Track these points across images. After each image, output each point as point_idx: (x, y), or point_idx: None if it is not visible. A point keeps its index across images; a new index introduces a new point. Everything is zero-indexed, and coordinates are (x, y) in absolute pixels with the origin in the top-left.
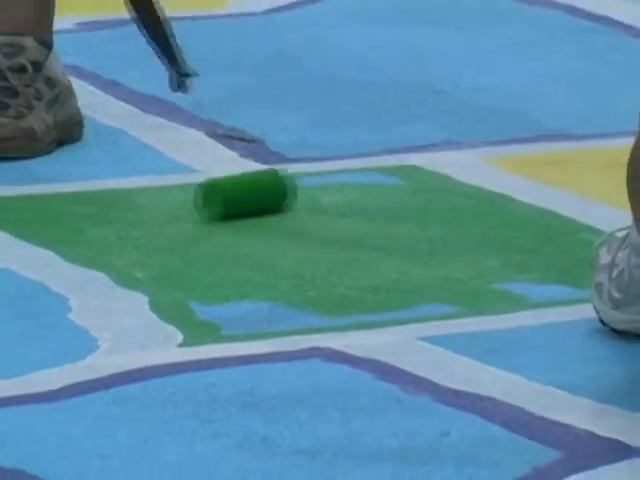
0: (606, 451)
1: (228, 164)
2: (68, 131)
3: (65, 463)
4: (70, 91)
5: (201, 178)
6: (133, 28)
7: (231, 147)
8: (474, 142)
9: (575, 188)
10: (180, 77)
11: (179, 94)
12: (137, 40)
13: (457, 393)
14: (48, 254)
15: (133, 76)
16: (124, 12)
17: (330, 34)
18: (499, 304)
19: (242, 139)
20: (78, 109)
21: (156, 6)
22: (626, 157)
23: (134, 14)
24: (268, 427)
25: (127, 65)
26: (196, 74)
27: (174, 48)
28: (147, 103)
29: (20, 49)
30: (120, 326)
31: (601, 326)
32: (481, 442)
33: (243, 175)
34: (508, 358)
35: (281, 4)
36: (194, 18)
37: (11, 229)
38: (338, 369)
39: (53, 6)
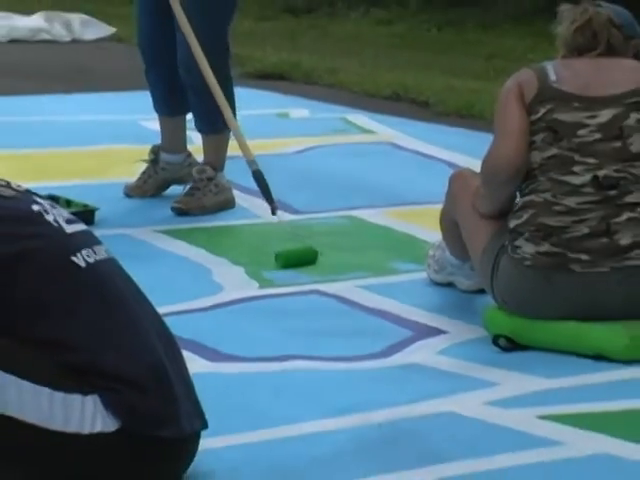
0: (433, 332)
1: (261, 209)
2: (227, 205)
3: (213, 337)
4: (228, 189)
5: (261, 220)
6: None
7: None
8: (377, 206)
9: (423, 225)
10: (272, 210)
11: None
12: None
13: (371, 309)
14: (202, 251)
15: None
16: None
17: (325, 162)
18: (388, 271)
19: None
20: (233, 197)
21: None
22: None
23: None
24: (291, 322)
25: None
26: (277, 208)
27: (270, 195)
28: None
29: (204, 171)
30: (232, 281)
31: (430, 281)
32: (381, 330)
33: (298, 249)
34: (393, 293)
35: (303, 148)
36: (269, 155)
37: (186, 239)
38: (323, 299)
39: (224, 153)
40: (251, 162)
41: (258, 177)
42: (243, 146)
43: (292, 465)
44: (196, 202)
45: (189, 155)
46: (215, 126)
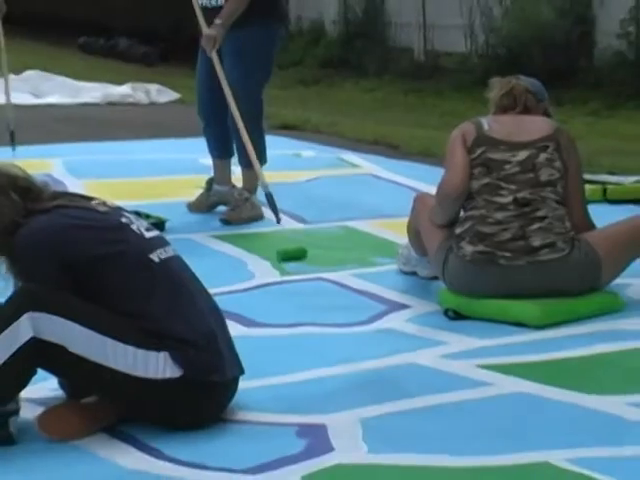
0: (401, 306)
1: (288, 222)
2: (258, 218)
3: (248, 310)
4: (259, 206)
5: (281, 228)
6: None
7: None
8: (364, 219)
9: (395, 231)
10: (276, 217)
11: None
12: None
13: (359, 291)
14: (240, 249)
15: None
16: None
17: (326, 187)
18: (371, 264)
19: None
20: (262, 212)
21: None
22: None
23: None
24: (303, 300)
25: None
26: (280, 220)
27: (276, 209)
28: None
29: (242, 194)
30: (261, 270)
31: (400, 271)
32: (365, 305)
33: (293, 249)
34: (374, 279)
35: (311, 178)
36: (287, 183)
37: (229, 241)
38: (326, 284)
39: (256, 181)
40: (265, 186)
41: (269, 196)
42: (260, 175)
43: (302, 399)
44: (237, 215)
45: (233, 186)
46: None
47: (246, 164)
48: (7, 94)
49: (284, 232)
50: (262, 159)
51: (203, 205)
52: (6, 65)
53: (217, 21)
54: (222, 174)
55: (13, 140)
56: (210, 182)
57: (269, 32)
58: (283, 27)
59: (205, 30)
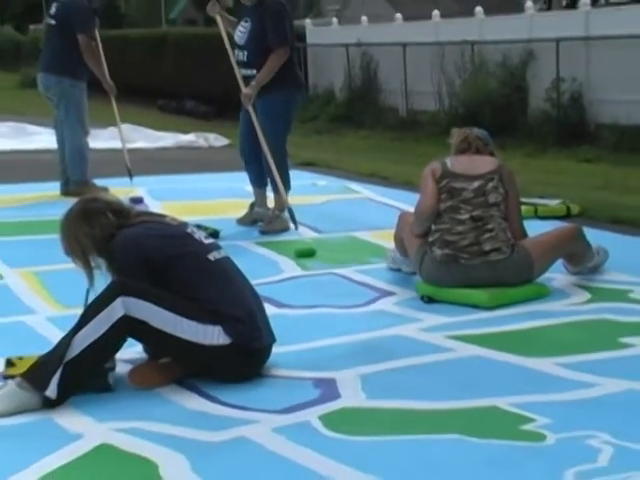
0: (390, 293)
1: (307, 233)
2: (285, 229)
3: (279, 296)
4: (286, 220)
5: (302, 237)
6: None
7: (306, 228)
8: (363, 230)
9: (385, 239)
10: (295, 225)
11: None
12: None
13: (359, 282)
14: (273, 252)
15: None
16: None
17: (335, 208)
18: (368, 263)
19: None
20: (289, 225)
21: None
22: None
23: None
24: (318, 289)
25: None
26: (297, 227)
27: (295, 219)
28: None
29: (274, 212)
30: (288, 267)
31: (389, 268)
32: (363, 292)
33: (306, 248)
34: (370, 274)
35: (324, 201)
36: (306, 205)
37: (265, 246)
38: (336, 277)
39: (284, 202)
40: (287, 203)
41: (290, 210)
42: (284, 196)
43: (317, 360)
44: (271, 227)
45: (268, 208)
46: (280, 190)
47: (276, 191)
48: (122, 142)
49: (304, 239)
50: (287, 186)
51: (247, 220)
52: (119, 121)
53: (252, 83)
54: (260, 199)
55: (130, 173)
56: (252, 205)
57: (290, 97)
58: (301, 93)
59: (243, 89)
